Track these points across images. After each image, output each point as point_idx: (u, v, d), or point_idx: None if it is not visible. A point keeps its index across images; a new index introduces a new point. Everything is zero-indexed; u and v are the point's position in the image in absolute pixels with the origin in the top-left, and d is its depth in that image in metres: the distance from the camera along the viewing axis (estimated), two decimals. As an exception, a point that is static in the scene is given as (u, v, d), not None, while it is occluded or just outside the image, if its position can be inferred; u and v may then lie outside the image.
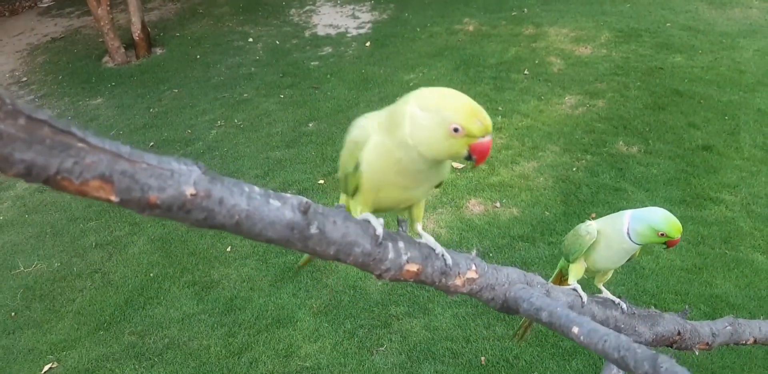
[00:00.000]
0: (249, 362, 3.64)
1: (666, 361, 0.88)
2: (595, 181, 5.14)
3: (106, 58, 8.98)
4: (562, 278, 1.89)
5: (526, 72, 7.32)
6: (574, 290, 1.60)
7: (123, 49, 8.85)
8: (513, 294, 1.28)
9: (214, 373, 3.58)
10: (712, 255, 4.29)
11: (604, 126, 6.00)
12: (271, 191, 0.93)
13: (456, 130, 0.99)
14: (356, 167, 1.13)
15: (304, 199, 0.95)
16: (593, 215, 4.66)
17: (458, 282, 1.26)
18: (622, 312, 1.64)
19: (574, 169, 5.34)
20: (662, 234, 1.53)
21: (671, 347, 1.78)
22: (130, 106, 7.49)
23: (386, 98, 7.02)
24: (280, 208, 0.92)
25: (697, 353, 1.83)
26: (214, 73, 8.27)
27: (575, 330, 1.05)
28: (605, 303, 1.64)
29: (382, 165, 1.10)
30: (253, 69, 8.34)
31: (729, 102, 6.29)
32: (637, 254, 1.71)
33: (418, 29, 9.07)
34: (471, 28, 8.91)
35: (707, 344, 1.88)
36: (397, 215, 1.30)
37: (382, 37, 8.99)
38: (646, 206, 4.71)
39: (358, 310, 4.00)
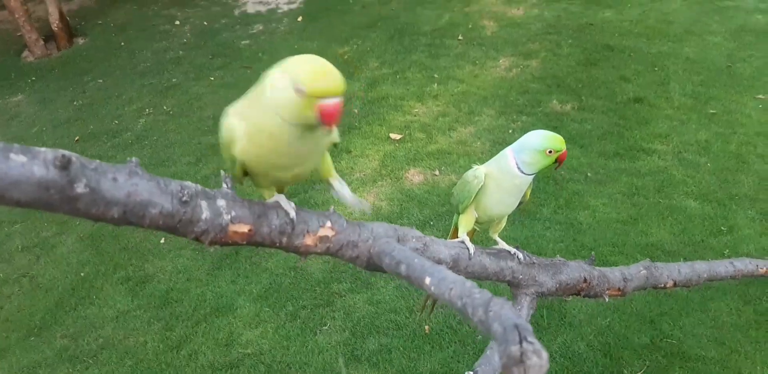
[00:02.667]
0: (188, 355, 3.52)
1: (497, 305, 0.80)
2: (531, 141, 5.10)
3: (25, 53, 8.49)
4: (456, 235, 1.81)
5: (460, 37, 7.21)
6: (462, 242, 1.53)
7: (42, 42, 8.37)
8: (377, 249, 1.20)
9: (152, 370, 3.45)
10: (647, 205, 4.33)
11: (538, 86, 5.96)
12: (16, 145, 0.80)
13: (300, 90, 0.99)
14: (235, 162, 1.13)
15: (64, 152, 0.83)
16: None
17: (308, 241, 1.18)
18: (519, 262, 1.58)
19: (510, 131, 5.30)
20: (550, 152, 1.46)
21: (579, 295, 1.74)
22: (52, 100, 7.12)
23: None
24: (26, 164, 0.80)
25: (607, 299, 1.79)
26: (140, 59, 7.91)
27: (427, 280, 0.98)
28: (500, 254, 1.57)
29: (257, 148, 1.08)
30: (181, 52, 8.01)
31: (658, 53, 6.32)
32: (527, 195, 1.63)
33: (351, 0, 8.84)
34: (404, -4, 8.72)
35: (619, 289, 1.84)
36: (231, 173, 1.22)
37: (314, 10, 8.73)
38: (580, 161, 4.66)
39: (299, 291, 3.91)
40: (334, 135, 1.18)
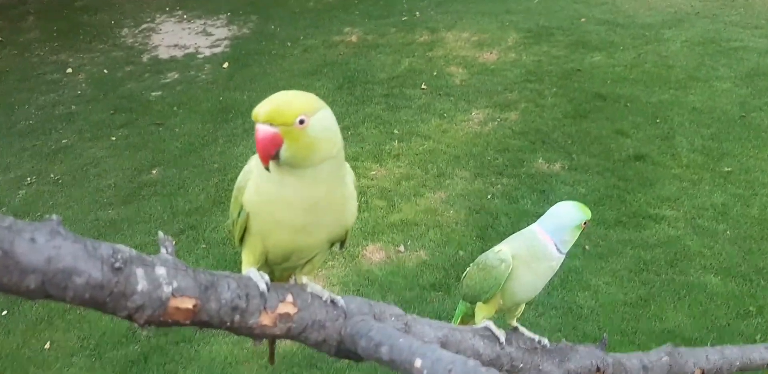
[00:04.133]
0: None
1: None
2: (514, 208, 5.34)
3: None
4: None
5: (423, 86, 7.61)
6: (486, 328, 1.64)
7: None
8: (349, 330, 1.25)
9: None
10: (659, 283, 4.53)
11: (519, 142, 6.28)
12: None
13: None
14: (240, 212, 1.25)
15: None
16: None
17: (265, 320, 1.21)
18: (523, 347, 1.67)
19: (489, 196, 5.53)
20: (585, 223, 1.63)
21: None
22: None
23: (252, 130, 7.00)
24: None
25: None
26: (20, 116, 7.99)
27: (418, 363, 1.03)
28: (507, 339, 1.67)
29: (265, 198, 1.21)
30: (73, 107, 8.14)
31: (659, 103, 6.80)
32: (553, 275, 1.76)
33: (289, 44, 9.27)
34: (354, 38, 9.21)
35: None
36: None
37: (243, 55, 9.09)
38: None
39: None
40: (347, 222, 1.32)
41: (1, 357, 4.39)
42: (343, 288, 4.65)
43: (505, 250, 1.66)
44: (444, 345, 1.49)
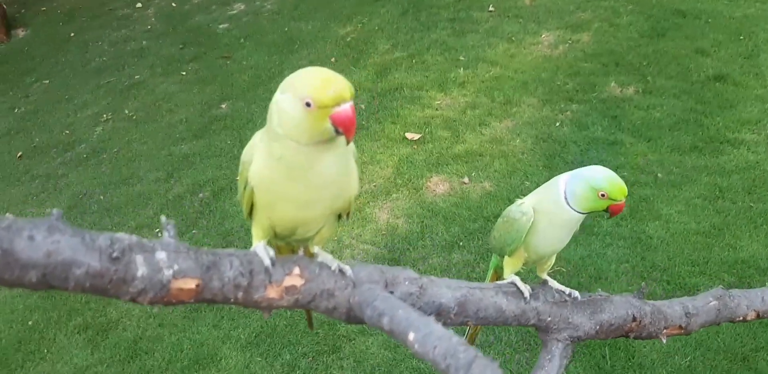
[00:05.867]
0: (163, 417, 3.63)
1: (478, 367, 0.88)
2: (584, 135, 5.17)
3: (-47, 51, 8.83)
4: (498, 279, 1.89)
5: (491, 8, 7.33)
6: (512, 284, 1.62)
7: (-27, 37, 8.71)
8: (357, 298, 1.28)
9: (120, 437, 3.57)
10: (734, 211, 4.35)
11: (591, 66, 6.02)
12: None
13: (308, 104, 1.14)
14: (246, 186, 1.30)
15: None
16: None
17: (271, 293, 1.25)
18: (550, 301, 1.64)
19: (558, 124, 5.37)
20: (603, 195, 1.54)
21: (627, 336, 1.79)
22: (-12, 108, 7.39)
23: (318, 61, 6.99)
24: None
25: (664, 341, 1.84)
26: (94, 53, 8.17)
27: (411, 336, 1.06)
28: (534, 293, 1.64)
29: (269, 174, 1.25)
30: (144, 43, 8.26)
31: (743, 18, 6.35)
32: (577, 230, 1.71)
33: (353, -32, 9.02)
34: (418, -41, 8.87)
35: (681, 327, 1.89)
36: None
37: (307, -17, 8.94)
38: (648, 159, 4.73)
39: (298, 335, 4.00)
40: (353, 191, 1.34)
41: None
42: (407, 220, 4.66)
43: (527, 203, 1.63)
44: (462, 304, 1.48)
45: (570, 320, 1.64)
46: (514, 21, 7.01)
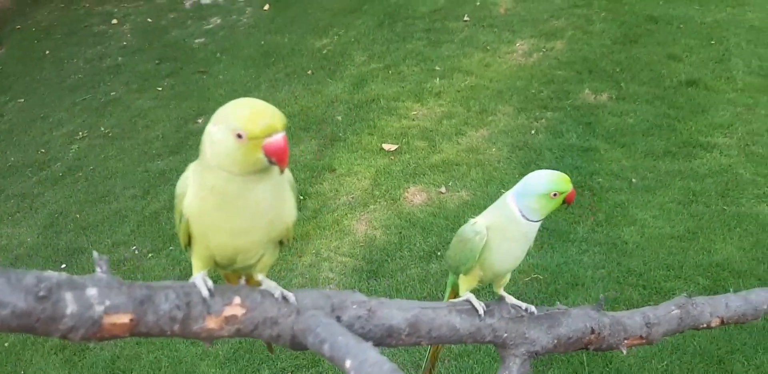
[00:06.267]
0: (140, 437, 3.59)
1: None
2: (559, 143, 5.19)
3: (-73, 71, 8.76)
4: (456, 297, 1.91)
5: (466, 18, 7.39)
6: (467, 301, 1.64)
7: (-52, 56, 8.65)
8: (300, 325, 1.28)
9: None
10: (708, 215, 4.38)
11: (565, 73, 6.07)
12: None
13: (240, 136, 1.15)
14: (181, 218, 1.31)
15: None
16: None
17: (212, 324, 1.25)
18: (506, 316, 1.64)
19: (533, 132, 5.39)
20: (555, 195, 1.59)
21: (587, 349, 1.79)
22: (-37, 128, 7.33)
23: (294, 74, 7.01)
24: None
25: (624, 352, 1.84)
26: (69, 70, 8.14)
27: (348, 363, 1.07)
28: (489, 310, 1.65)
29: (202, 204, 1.27)
30: (120, 59, 8.24)
31: (714, 22, 6.43)
32: (531, 244, 1.73)
33: (328, -19, 9.06)
34: (393, -29, 8.93)
35: (642, 337, 1.89)
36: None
37: (283, -4, 8.98)
38: (622, 164, 4.76)
39: (277, 351, 3.98)
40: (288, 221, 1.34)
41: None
42: (385, 231, 4.66)
43: (480, 222, 1.65)
44: (414, 325, 1.49)
45: (527, 335, 1.64)
46: (489, 30, 7.06)
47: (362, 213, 4.88)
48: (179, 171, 5.90)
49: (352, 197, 5.04)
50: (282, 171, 1.21)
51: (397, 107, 5.98)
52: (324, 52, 7.34)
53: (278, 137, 1.16)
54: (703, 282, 3.90)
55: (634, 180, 4.75)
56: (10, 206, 5.85)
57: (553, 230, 4.43)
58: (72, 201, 5.74)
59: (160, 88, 7.34)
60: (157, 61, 7.96)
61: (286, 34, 7.97)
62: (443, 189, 4.97)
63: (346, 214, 4.88)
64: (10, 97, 7.79)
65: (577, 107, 5.59)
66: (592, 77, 5.95)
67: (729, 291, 2.15)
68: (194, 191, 1.27)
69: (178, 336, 1.23)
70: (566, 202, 1.62)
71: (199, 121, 6.53)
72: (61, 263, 5.01)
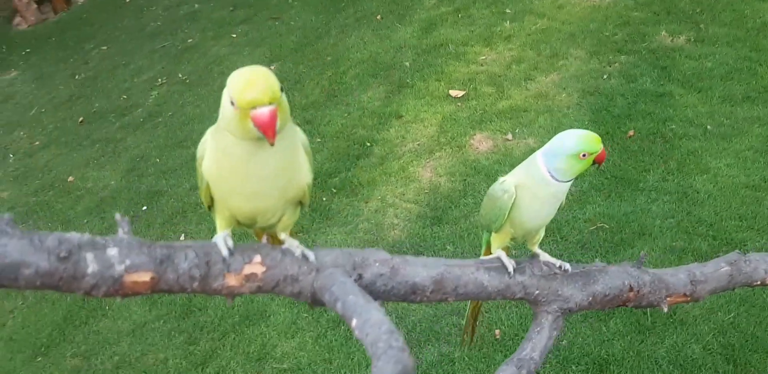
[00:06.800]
0: (215, 372, 3.79)
1: (387, 357, 0.96)
2: (632, 88, 5.01)
3: (17, 20, 9.10)
4: (490, 253, 1.91)
5: (540, -43, 7.08)
6: (498, 258, 1.64)
7: (35, 5, 8.93)
8: (319, 283, 1.30)
9: (175, 389, 3.75)
10: (787, 163, 4.19)
11: (641, 14, 5.79)
12: None
13: (232, 103, 1.17)
14: (202, 180, 1.35)
15: None
16: (631, 132, 4.57)
17: (232, 281, 1.29)
18: (538, 274, 1.62)
19: (605, 76, 5.21)
20: (584, 155, 1.56)
21: (625, 306, 1.76)
22: (50, 75, 7.62)
23: (364, 19, 6.94)
24: None
25: (665, 309, 1.81)
26: (149, 18, 8.29)
27: (354, 322, 1.10)
28: (520, 267, 1.64)
29: (218, 168, 1.30)
30: (196, 5, 8.33)
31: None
32: (563, 201, 1.71)
33: None
34: None
35: (686, 295, 1.85)
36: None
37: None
38: (698, 110, 4.57)
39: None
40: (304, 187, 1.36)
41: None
42: (449, 178, 4.65)
43: (509, 180, 1.63)
44: (439, 282, 1.49)
45: (560, 292, 1.63)
46: (563, -30, 6.76)
47: (428, 160, 4.87)
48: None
49: (418, 144, 5.03)
50: (271, 144, 1.19)
51: (466, 52, 5.86)
52: (394, -5, 7.22)
53: (264, 110, 1.15)
54: (777, 235, 3.76)
55: (709, 127, 4.56)
56: (95, 151, 6.12)
57: (621, 178, 4.32)
58: (152, 146, 5.94)
59: (234, 35, 7.40)
60: (231, 8, 8.01)
61: (359, -24, 7.86)
62: (510, 136, 4.89)
63: (411, 161, 4.89)
64: (94, 44, 8.03)
65: (652, 51, 5.34)
66: (670, 19, 5.65)
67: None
68: (210, 154, 1.29)
69: (198, 292, 1.28)
70: (597, 162, 1.58)
71: (272, 67, 6.57)
72: (143, 206, 5.24)
